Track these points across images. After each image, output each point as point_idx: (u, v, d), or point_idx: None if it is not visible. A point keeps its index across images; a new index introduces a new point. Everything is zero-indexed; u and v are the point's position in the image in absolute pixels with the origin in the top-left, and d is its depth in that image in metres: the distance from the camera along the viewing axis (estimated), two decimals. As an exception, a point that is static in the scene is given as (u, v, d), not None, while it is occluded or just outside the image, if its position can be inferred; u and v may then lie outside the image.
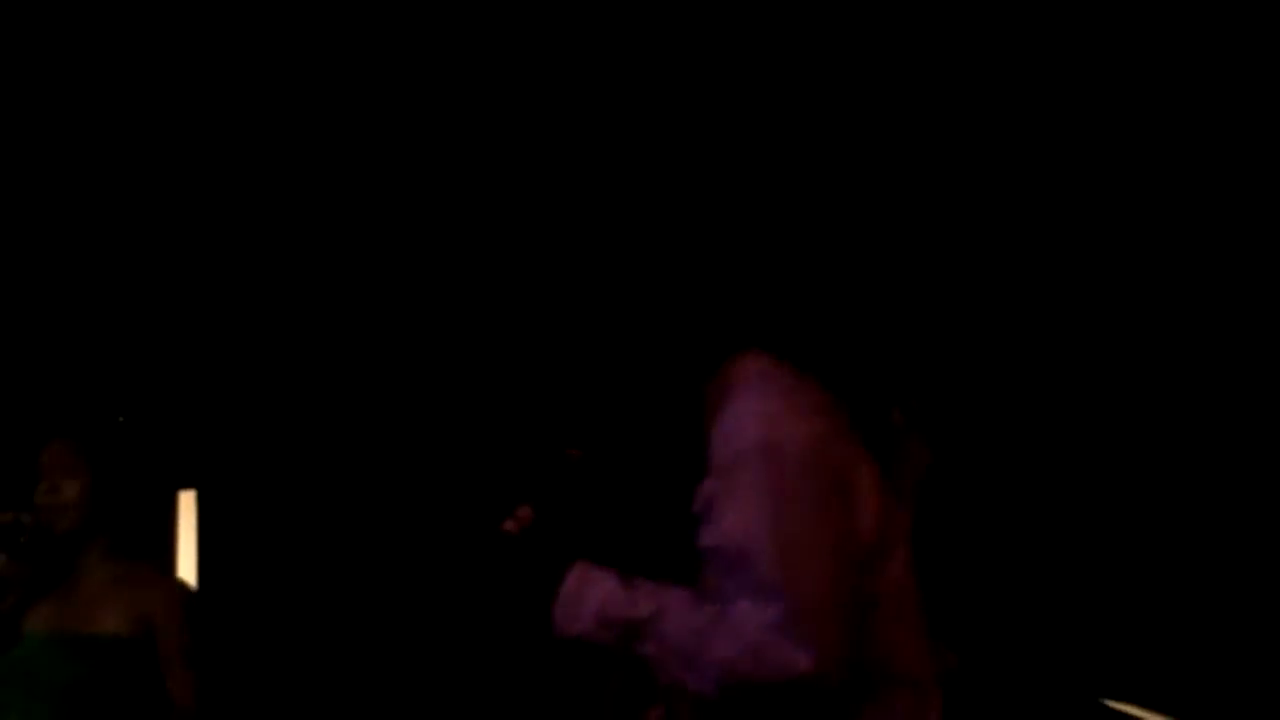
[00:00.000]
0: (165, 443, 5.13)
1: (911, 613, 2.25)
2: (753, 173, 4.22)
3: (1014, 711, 4.05)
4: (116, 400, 5.18)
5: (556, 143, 4.41)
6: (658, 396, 2.28)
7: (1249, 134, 4.07)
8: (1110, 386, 4.56)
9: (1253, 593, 4.35)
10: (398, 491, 5.64)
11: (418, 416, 5.62)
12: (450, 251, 5.06)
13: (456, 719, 5.49)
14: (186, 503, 5.65)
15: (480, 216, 4.81)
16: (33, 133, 4.61)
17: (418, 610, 5.59)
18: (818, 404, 2.19)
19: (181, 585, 3.71)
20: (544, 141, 4.44)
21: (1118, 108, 4.18)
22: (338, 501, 5.71)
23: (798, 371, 2.23)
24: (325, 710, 5.36)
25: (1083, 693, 3.96)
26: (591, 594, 2.18)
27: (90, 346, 5.28)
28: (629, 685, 4.48)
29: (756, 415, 2.13)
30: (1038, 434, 4.49)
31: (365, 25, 4.27)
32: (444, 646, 5.56)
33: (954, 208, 4.46)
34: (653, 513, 2.28)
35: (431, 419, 5.61)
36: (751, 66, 4.20)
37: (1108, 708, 3.70)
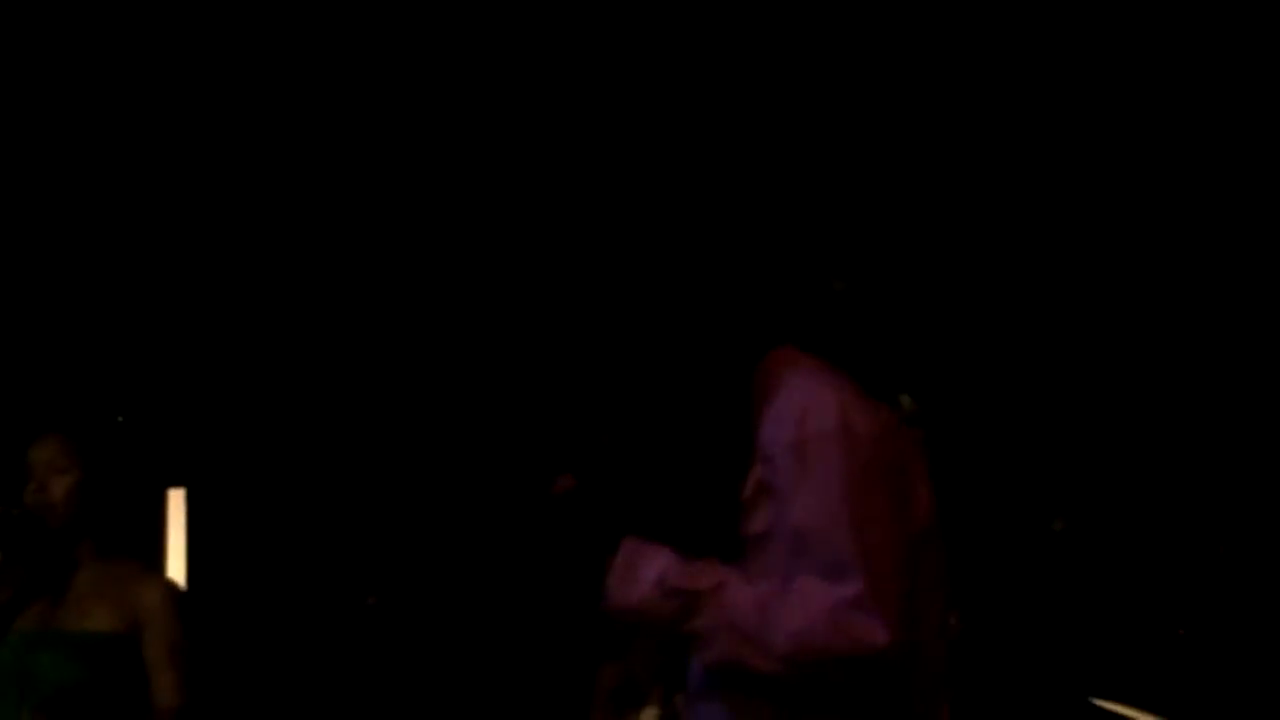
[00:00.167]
0: (155, 441, 5.13)
1: (938, 609, 2.28)
2: (786, 175, 4.24)
3: (1004, 709, 4.05)
4: (107, 398, 5.17)
5: (596, 145, 4.42)
6: (698, 385, 2.30)
7: (1249, 134, 4.08)
8: (1098, 390, 4.57)
9: (1239, 593, 4.36)
10: (388, 490, 5.64)
11: (407, 413, 5.61)
12: (456, 247, 5.06)
13: (446, 715, 5.49)
14: (176, 500, 5.64)
15: (495, 211, 4.82)
16: (30, 134, 4.60)
17: (407, 608, 5.59)
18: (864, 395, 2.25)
19: (171, 584, 3.71)
20: (584, 143, 4.45)
21: (1118, 108, 4.19)
22: (327, 499, 5.71)
23: (832, 366, 2.28)
24: (313, 708, 5.36)
25: (1071, 691, 3.96)
26: (650, 563, 2.18)
27: (81, 345, 5.28)
28: (621, 680, 4.48)
29: (828, 401, 2.18)
30: (1028, 436, 4.50)
31: (366, 25, 4.26)
32: (432, 644, 5.56)
33: (969, 212, 4.48)
34: (690, 498, 2.28)
35: (423, 417, 5.61)
36: (786, 82, 4.22)
37: (1096, 706, 3.70)
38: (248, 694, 5.27)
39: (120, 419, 5.24)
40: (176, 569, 5.56)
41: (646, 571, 2.17)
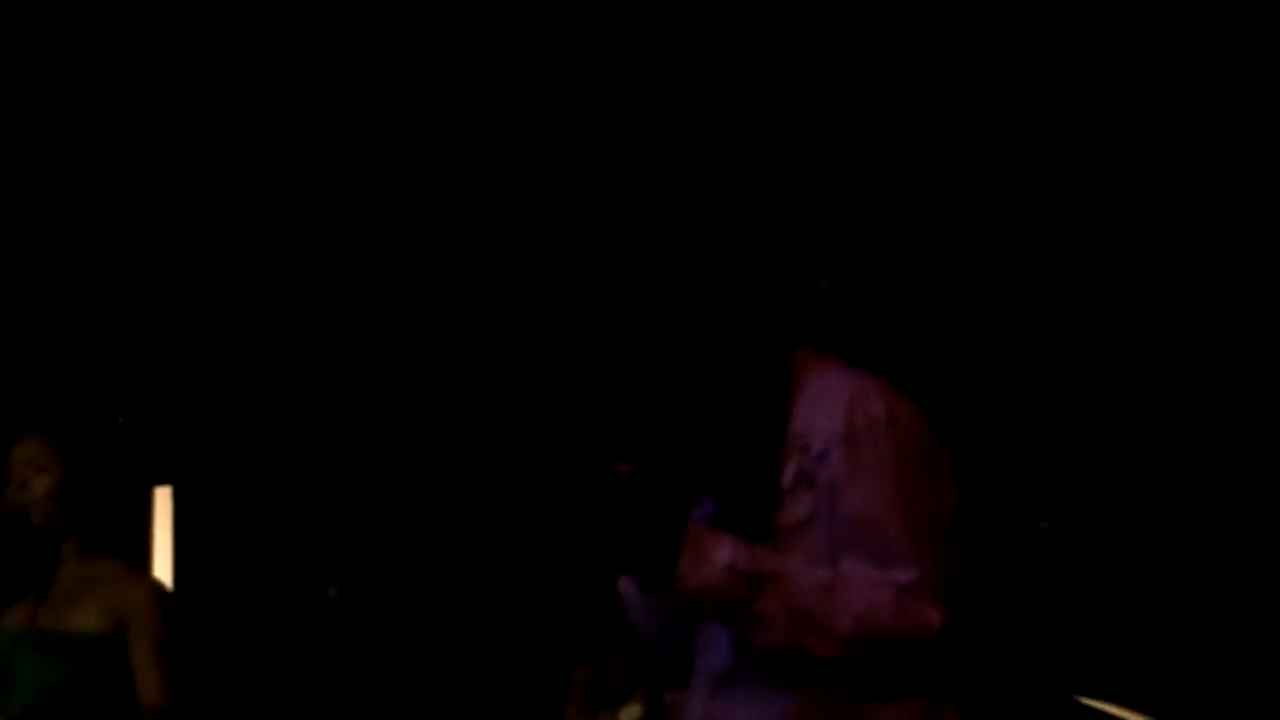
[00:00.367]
0: (141, 439, 5.12)
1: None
2: (779, 172, 4.25)
3: (991, 708, 4.04)
4: (92, 396, 5.16)
5: (601, 144, 4.43)
6: (731, 382, 2.35)
7: (1249, 134, 4.08)
8: (1083, 389, 4.57)
9: (1226, 593, 4.36)
10: (376, 489, 5.64)
11: (395, 412, 5.61)
12: (440, 247, 5.06)
13: (427, 712, 5.49)
14: (163, 499, 5.63)
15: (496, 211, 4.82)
16: (15, 129, 4.59)
17: (392, 607, 5.59)
18: None
19: (157, 583, 3.69)
20: (590, 141, 4.46)
21: (1104, 97, 4.19)
22: (314, 497, 5.70)
23: (849, 364, 2.36)
24: (299, 705, 5.35)
25: (1057, 689, 3.96)
26: (720, 547, 2.20)
27: (67, 343, 5.26)
28: (594, 680, 4.48)
29: (871, 392, 2.26)
30: (1014, 436, 4.50)
31: (366, 25, 4.26)
32: (412, 643, 5.55)
33: (950, 211, 4.48)
34: (726, 488, 2.33)
35: (410, 415, 5.60)
36: (776, 78, 4.23)
37: (1082, 704, 3.70)
38: (234, 693, 5.26)
39: (120, 419, 5.25)
40: (163, 567, 5.55)
41: (718, 555, 2.19)
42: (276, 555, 5.64)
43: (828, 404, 2.27)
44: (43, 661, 3.36)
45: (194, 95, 4.51)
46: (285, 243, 5.17)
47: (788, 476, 2.27)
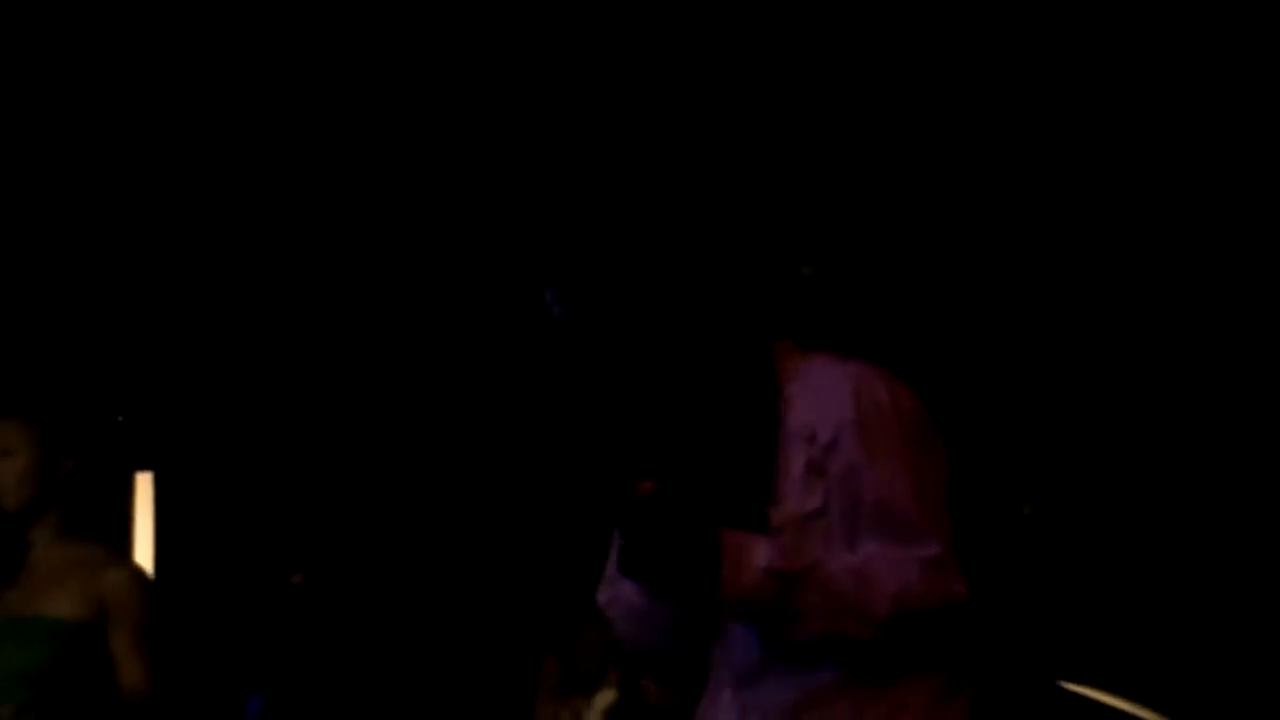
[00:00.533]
0: (117, 422, 5.09)
1: None
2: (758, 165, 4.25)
3: (974, 693, 4.04)
4: (68, 381, 5.14)
5: (591, 143, 4.43)
6: (717, 378, 2.37)
7: (1249, 134, 4.08)
8: (1065, 372, 4.57)
9: (1207, 578, 4.37)
10: (354, 476, 5.63)
11: (379, 400, 5.60)
12: (425, 242, 5.05)
13: (407, 699, 5.48)
14: (144, 485, 5.61)
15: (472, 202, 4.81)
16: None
17: (372, 594, 5.58)
18: None
19: (137, 568, 3.67)
20: (577, 140, 4.46)
21: (1089, 92, 4.19)
22: (294, 483, 5.68)
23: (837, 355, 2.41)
24: (280, 692, 5.34)
25: (1040, 675, 3.97)
26: (756, 550, 2.22)
27: (45, 329, 5.24)
28: (564, 671, 4.48)
29: (873, 378, 2.31)
30: (996, 421, 4.50)
31: (366, 25, 4.25)
32: (390, 632, 5.55)
33: (930, 198, 4.48)
34: (724, 485, 2.35)
35: (393, 403, 5.59)
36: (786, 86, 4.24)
37: (1064, 690, 3.71)
38: (216, 679, 5.25)
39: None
40: (144, 553, 5.53)
41: (755, 559, 2.21)
42: (259, 541, 5.63)
43: (831, 393, 2.30)
44: (19, 649, 3.34)
45: (176, 84, 4.51)
46: (267, 232, 5.15)
47: (796, 468, 2.30)
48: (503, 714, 5.07)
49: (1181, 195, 4.27)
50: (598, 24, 4.21)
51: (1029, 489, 4.48)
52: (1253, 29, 3.92)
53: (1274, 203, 4.07)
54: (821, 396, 2.32)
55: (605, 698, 4.34)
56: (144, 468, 5.64)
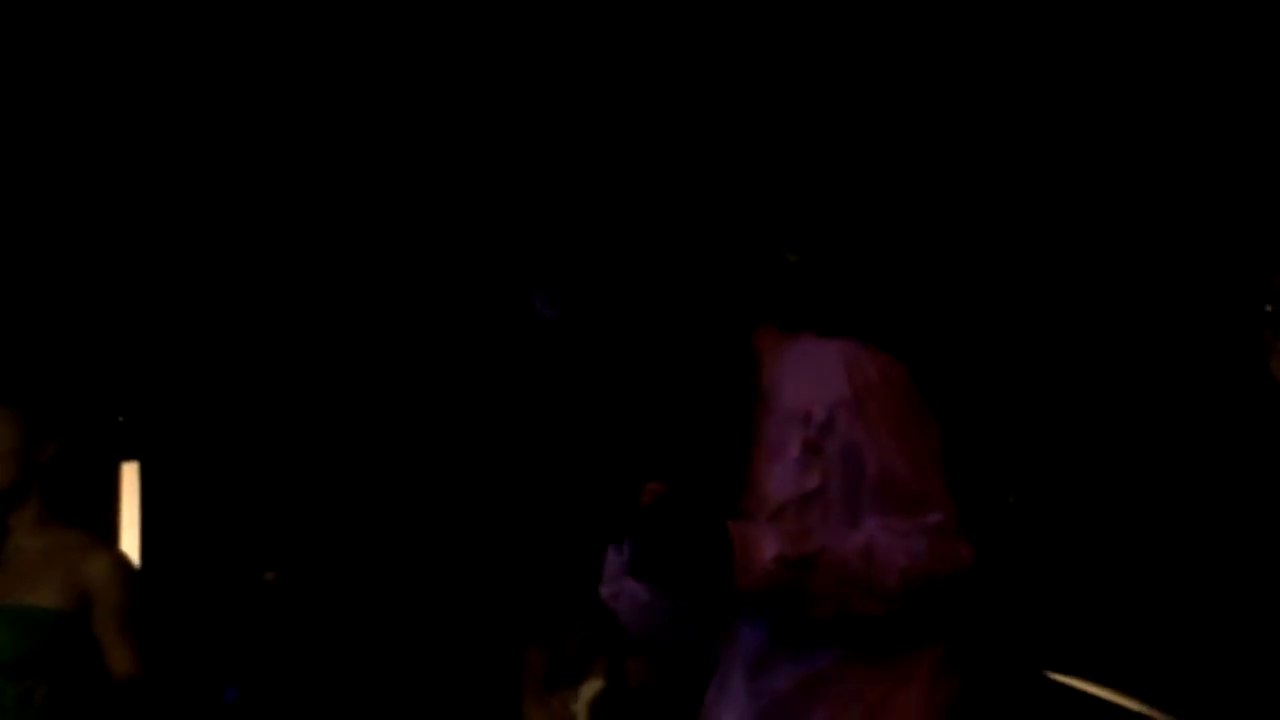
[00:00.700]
0: (99, 406, 5.07)
1: None
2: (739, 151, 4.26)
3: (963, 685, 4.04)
4: (52, 369, 5.13)
5: (578, 138, 4.43)
6: (695, 363, 2.40)
7: (1248, 134, 4.08)
8: (1051, 361, 4.57)
9: (1194, 568, 4.37)
10: (341, 466, 5.62)
11: (364, 390, 5.59)
12: (411, 235, 5.06)
13: (394, 689, 5.48)
14: (130, 474, 5.61)
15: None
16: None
17: (358, 581, 5.57)
18: None
19: (119, 554, 3.67)
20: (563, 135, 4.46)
21: (1077, 87, 4.19)
22: (281, 472, 5.68)
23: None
24: (267, 681, 5.34)
25: (1026, 665, 3.96)
26: (763, 541, 2.26)
27: (32, 315, 5.23)
28: (549, 661, 4.47)
29: (861, 355, 2.35)
30: (981, 410, 4.50)
31: (365, 25, 4.25)
32: (382, 619, 5.54)
33: (919, 184, 4.48)
34: (702, 467, 2.38)
35: (378, 393, 5.58)
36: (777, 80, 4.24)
37: (1051, 680, 3.70)
38: (203, 667, 5.24)
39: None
40: (130, 542, 5.53)
41: (764, 550, 2.24)
42: (244, 530, 5.62)
43: (822, 372, 2.34)
44: (1, 636, 3.33)
45: (160, 79, 4.51)
46: (257, 225, 5.16)
47: (793, 450, 2.33)
48: (488, 710, 5.07)
49: (1162, 181, 4.27)
50: (578, 18, 4.21)
51: (1014, 478, 4.47)
52: (1253, 29, 3.93)
53: (1255, 193, 4.07)
54: (812, 376, 2.35)
55: (592, 687, 4.33)
56: (130, 457, 5.64)
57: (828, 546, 2.26)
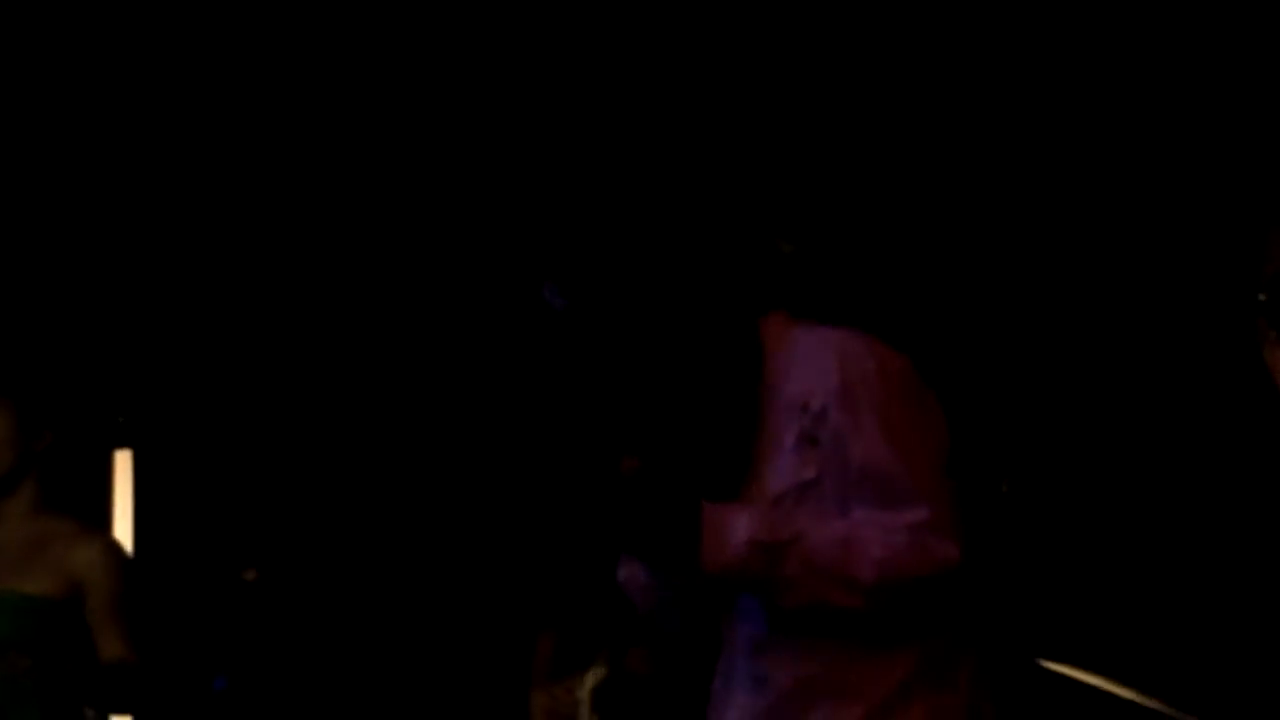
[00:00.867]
0: (93, 393, 5.08)
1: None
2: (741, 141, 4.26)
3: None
4: (46, 358, 5.12)
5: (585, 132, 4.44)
6: (698, 352, 2.40)
7: (1240, 122, 4.08)
8: (1043, 351, 4.57)
9: (1186, 558, 4.38)
10: (336, 455, 5.62)
11: (357, 380, 5.59)
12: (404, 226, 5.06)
13: (389, 678, 5.48)
14: (123, 462, 5.61)
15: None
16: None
17: (351, 569, 5.57)
18: None
19: (111, 540, 3.67)
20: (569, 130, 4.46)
21: (1071, 84, 4.19)
22: (273, 460, 5.68)
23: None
24: (258, 669, 5.34)
25: (1018, 653, 3.97)
26: (737, 524, 2.25)
27: (27, 305, 5.23)
28: (563, 646, 4.48)
29: (859, 346, 2.33)
30: (973, 398, 4.50)
31: (365, 25, 4.25)
32: (375, 607, 5.54)
33: (914, 174, 4.48)
34: (703, 456, 2.38)
35: (371, 382, 5.58)
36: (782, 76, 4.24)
37: (1043, 668, 3.71)
38: (194, 655, 5.24)
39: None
40: (124, 530, 5.53)
41: (737, 532, 2.24)
42: (237, 519, 5.62)
43: (819, 362, 2.33)
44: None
45: (158, 77, 4.52)
46: (250, 220, 5.16)
47: (789, 439, 2.32)
48: (487, 698, 5.07)
49: (1154, 168, 4.28)
50: (585, 12, 4.22)
51: (1007, 466, 4.47)
52: (1242, 17, 3.93)
53: (1247, 180, 4.07)
54: (812, 366, 2.35)
55: (596, 675, 4.35)
56: (123, 445, 5.64)
57: (804, 534, 2.25)
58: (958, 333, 4.49)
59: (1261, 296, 1.52)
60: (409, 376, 5.52)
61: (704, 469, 2.37)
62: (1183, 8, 4.03)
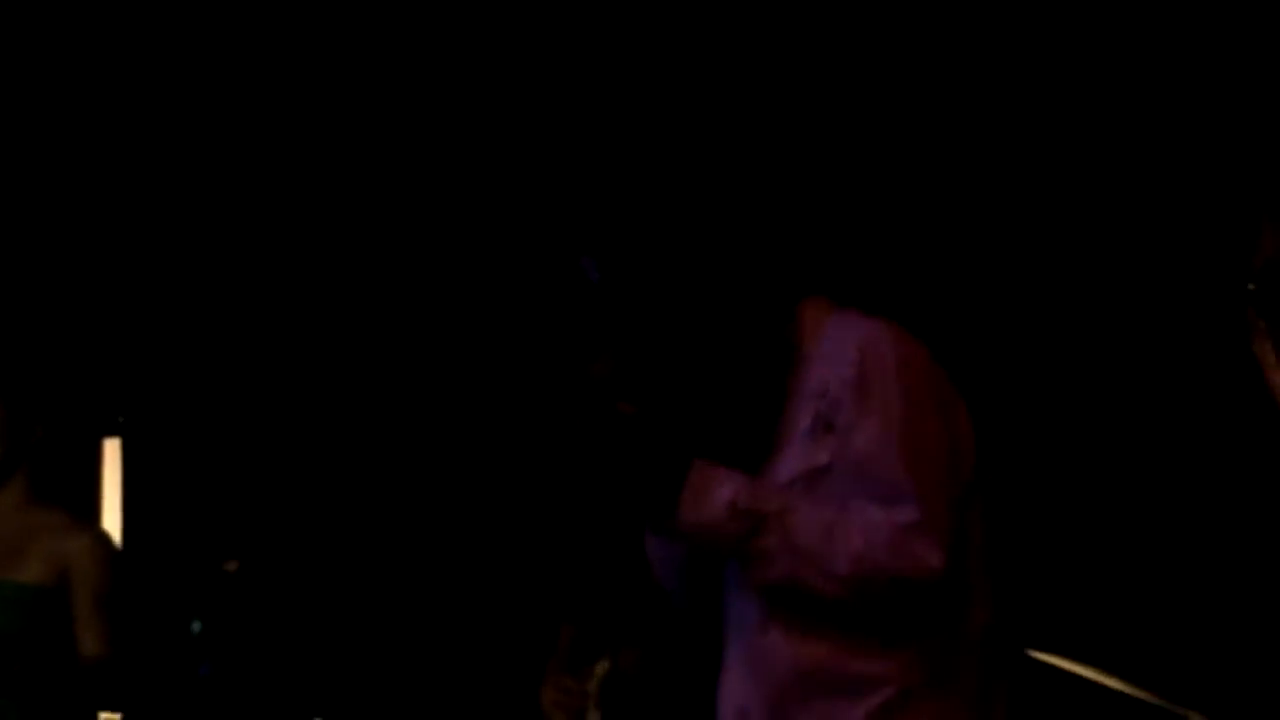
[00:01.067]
0: (84, 386, 5.07)
1: (984, 571, 2.36)
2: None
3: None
4: (36, 348, 5.12)
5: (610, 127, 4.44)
6: (731, 333, 2.40)
7: (1230, 116, 4.09)
8: (1034, 347, 4.58)
9: (1177, 548, 4.38)
10: (324, 444, 5.62)
11: (349, 370, 5.59)
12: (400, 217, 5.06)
13: (383, 668, 5.48)
14: (112, 451, 5.60)
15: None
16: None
17: (340, 560, 5.57)
18: None
19: (101, 533, 3.68)
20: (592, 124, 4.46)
21: (1067, 83, 4.20)
22: (262, 448, 5.67)
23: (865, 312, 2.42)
24: (247, 661, 5.34)
25: (1007, 644, 3.97)
26: (722, 484, 2.25)
27: (17, 299, 5.23)
28: (580, 638, 4.49)
29: (884, 337, 2.32)
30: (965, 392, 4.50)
31: (365, 25, 4.25)
32: (368, 595, 5.54)
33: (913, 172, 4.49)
34: (725, 433, 2.39)
35: (362, 370, 5.58)
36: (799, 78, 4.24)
37: (1032, 658, 3.71)
38: (183, 648, 5.24)
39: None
40: (112, 520, 5.53)
41: (719, 492, 2.25)
42: (226, 509, 5.62)
43: (843, 350, 2.34)
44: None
45: (157, 74, 4.51)
46: (244, 209, 5.16)
47: (803, 424, 2.33)
48: (493, 691, 5.08)
49: (1145, 162, 4.28)
50: (596, 14, 4.22)
51: (995, 459, 4.48)
52: (1246, 24, 3.94)
53: (1237, 172, 4.08)
54: (834, 353, 2.36)
55: (603, 666, 4.36)
56: (112, 434, 5.64)
57: (789, 510, 2.25)
58: (958, 334, 4.51)
59: (1251, 286, 1.52)
60: (398, 366, 5.52)
61: (724, 449, 2.36)
62: (1178, 3, 4.03)
